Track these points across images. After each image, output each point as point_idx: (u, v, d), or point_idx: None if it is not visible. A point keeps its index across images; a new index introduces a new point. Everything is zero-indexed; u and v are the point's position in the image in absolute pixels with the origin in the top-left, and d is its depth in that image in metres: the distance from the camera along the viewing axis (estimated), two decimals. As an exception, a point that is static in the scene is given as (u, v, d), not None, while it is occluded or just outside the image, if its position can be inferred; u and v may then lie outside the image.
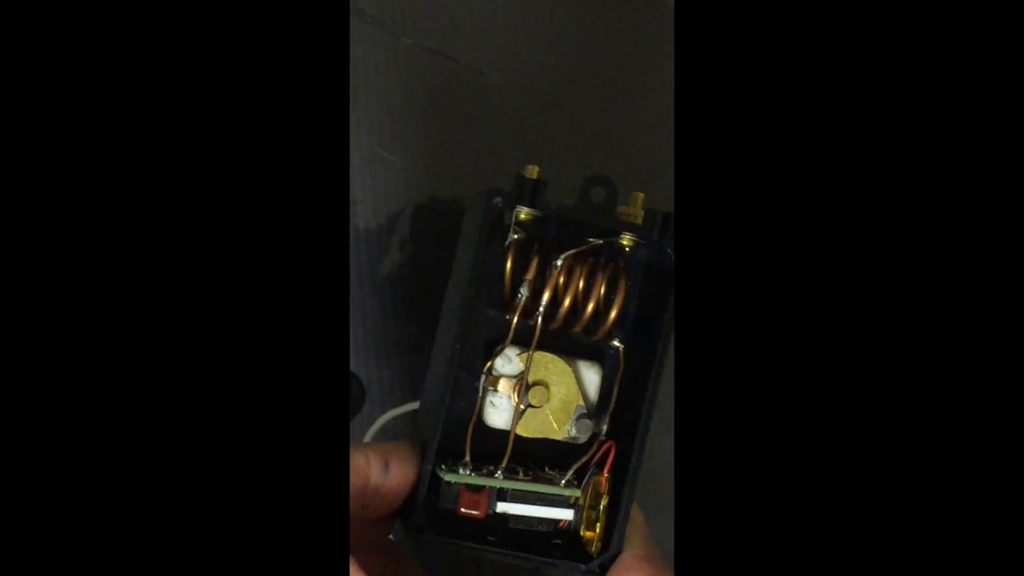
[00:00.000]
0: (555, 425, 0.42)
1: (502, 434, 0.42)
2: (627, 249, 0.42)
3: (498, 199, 0.40)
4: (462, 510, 0.41)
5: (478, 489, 0.41)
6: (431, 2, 0.55)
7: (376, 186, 0.53)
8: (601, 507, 0.42)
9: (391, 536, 0.43)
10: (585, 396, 0.43)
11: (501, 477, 0.41)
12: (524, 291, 0.41)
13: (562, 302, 0.42)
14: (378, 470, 0.39)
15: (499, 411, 0.42)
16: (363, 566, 0.37)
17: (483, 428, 0.42)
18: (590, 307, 0.42)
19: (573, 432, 0.43)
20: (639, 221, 0.41)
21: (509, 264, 0.42)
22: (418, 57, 0.54)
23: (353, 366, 0.52)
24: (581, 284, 0.42)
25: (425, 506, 0.40)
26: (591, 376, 0.43)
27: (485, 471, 0.41)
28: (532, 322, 0.42)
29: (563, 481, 0.42)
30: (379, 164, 0.53)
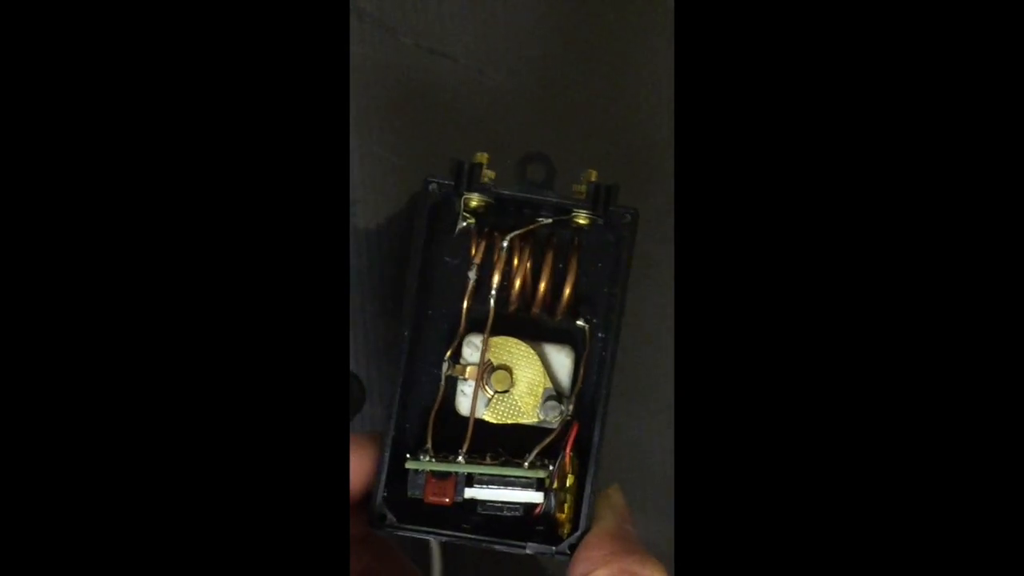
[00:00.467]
0: (523, 409, 0.42)
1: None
2: (584, 228, 0.42)
3: (433, 184, 0.41)
4: (430, 498, 0.41)
5: (444, 477, 0.41)
6: (431, 2, 0.55)
7: (376, 186, 0.54)
8: (568, 488, 0.41)
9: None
10: (555, 379, 0.43)
11: (464, 462, 0.41)
12: (472, 275, 0.42)
13: (512, 284, 0.42)
14: None
15: (469, 399, 0.42)
16: None
17: (455, 417, 0.42)
18: (541, 287, 0.42)
19: (542, 416, 0.42)
20: (583, 196, 0.41)
21: (473, 250, 0.42)
22: (418, 57, 0.55)
23: (353, 366, 0.53)
24: (529, 264, 0.42)
25: (390, 495, 0.41)
26: (561, 359, 0.43)
27: (452, 458, 0.42)
28: (488, 308, 0.42)
29: (526, 463, 0.41)
30: (379, 164, 0.54)
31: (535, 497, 0.41)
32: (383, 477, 0.40)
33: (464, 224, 0.42)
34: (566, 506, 0.41)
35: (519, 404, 0.42)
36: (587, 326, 0.43)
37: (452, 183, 0.41)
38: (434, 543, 0.56)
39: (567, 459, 0.41)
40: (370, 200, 0.54)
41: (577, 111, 0.55)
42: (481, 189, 0.41)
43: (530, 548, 0.41)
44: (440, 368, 0.42)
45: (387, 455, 0.41)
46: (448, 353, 0.42)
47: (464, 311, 0.42)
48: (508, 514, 0.41)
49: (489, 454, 0.42)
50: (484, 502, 0.41)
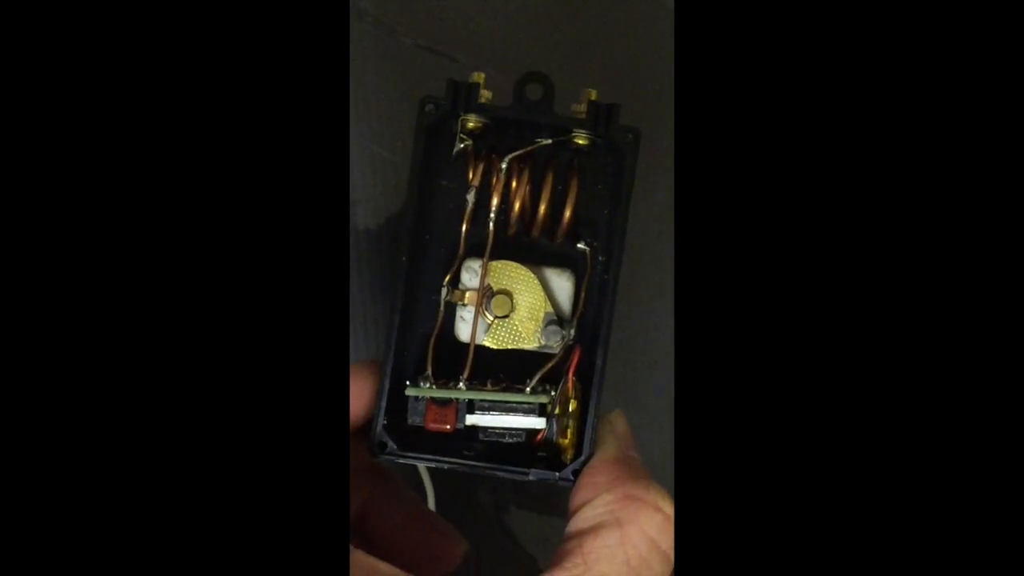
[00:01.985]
0: (524, 334, 0.42)
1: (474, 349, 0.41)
2: (584, 149, 0.41)
3: (430, 105, 0.40)
4: (431, 425, 0.41)
5: (445, 403, 0.41)
6: (431, 2, 0.55)
7: (376, 186, 0.54)
8: (570, 413, 0.40)
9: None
10: (555, 303, 0.42)
11: (464, 388, 0.41)
12: (470, 197, 0.41)
13: (512, 207, 0.41)
14: None
15: (469, 325, 0.42)
16: None
17: (456, 344, 0.42)
18: (541, 209, 0.41)
19: (543, 341, 0.42)
20: (583, 116, 0.40)
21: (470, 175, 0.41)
22: (418, 57, 0.54)
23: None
24: (528, 187, 0.41)
25: (391, 423, 0.40)
26: (562, 283, 0.42)
27: (452, 385, 0.41)
28: (487, 231, 0.41)
29: (528, 388, 0.41)
30: (379, 164, 0.54)
31: (537, 423, 0.41)
32: (383, 404, 0.40)
33: (461, 146, 0.41)
34: (569, 431, 0.40)
35: (519, 329, 0.42)
36: (588, 249, 0.42)
37: (449, 103, 0.40)
38: (423, 471, 0.55)
39: (570, 384, 0.40)
40: (370, 200, 0.54)
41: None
42: (478, 109, 0.40)
43: (533, 474, 0.40)
44: (439, 294, 0.41)
45: (387, 383, 0.40)
46: (447, 278, 0.41)
47: (463, 235, 0.41)
48: (510, 440, 0.41)
49: (490, 380, 0.41)
50: (486, 428, 0.41)
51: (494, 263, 0.41)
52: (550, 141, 0.41)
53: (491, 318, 0.41)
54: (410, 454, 0.40)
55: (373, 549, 0.36)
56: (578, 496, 0.38)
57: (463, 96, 0.40)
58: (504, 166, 0.40)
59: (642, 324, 0.56)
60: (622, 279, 0.41)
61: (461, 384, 0.41)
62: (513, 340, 0.42)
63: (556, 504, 0.57)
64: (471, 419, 0.41)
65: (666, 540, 0.36)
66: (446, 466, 0.41)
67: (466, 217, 0.41)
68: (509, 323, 0.42)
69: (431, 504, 0.55)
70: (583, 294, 0.42)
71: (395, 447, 0.40)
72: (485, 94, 0.40)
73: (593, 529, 0.37)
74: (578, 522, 0.37)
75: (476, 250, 0.41)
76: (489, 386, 0.41)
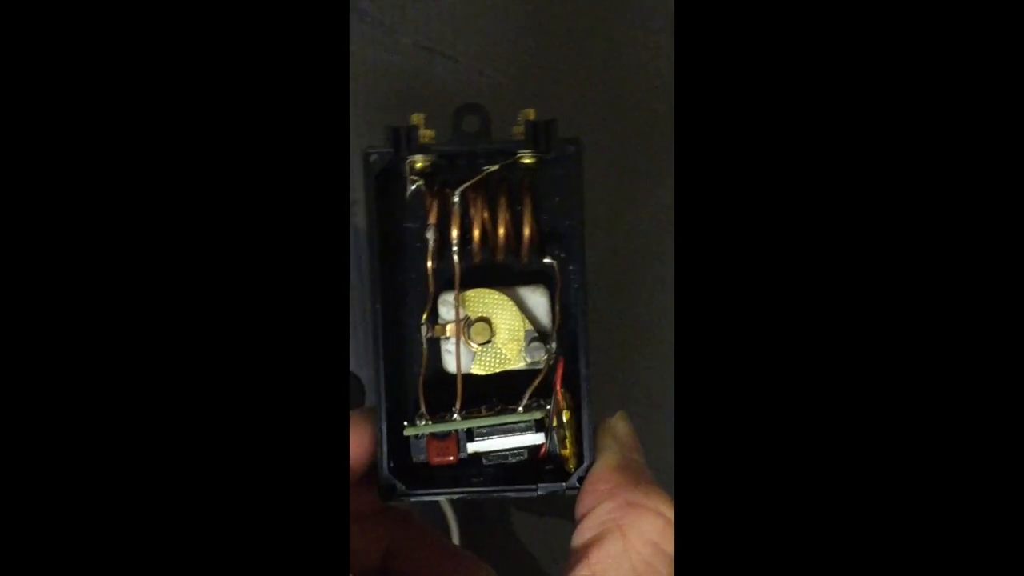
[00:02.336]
0: (509, 356, 0.42)
1: (464, 378, 0.42)
2: (533, 167, 0.42)
3: (374, 155, 0.41)
4: (435, 460, 0.42)
5: (445, 436, 0.42)
6: (431, 2, 0.56)
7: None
8: (565, 423, 0.41)
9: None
10: (534, 320, 0.43)
11: (459, 419, 0.42)
12: (430, 235, 0.42)
13: (472, 235, 0.42)
14: None
15: (454, 357, 0.43)
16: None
17: (447, 378, 0.43)
18: (500, 232, 0.42)
19: (529, 359, 0.42)
20: (522, 137, 0.41)
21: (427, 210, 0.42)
22: (418, 57, 0.55)
23: (353, 366, 0.54)
24: (486, 213, 0.42)
25: (398, 465, 0.41)
26: (536, 299, 0.43)
27: (447, 418, 0.42)
28: (452, 264, 0.42)
29: (520, 406, 0.42)
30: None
31: (536, 438, 0.42)
32: (384, 449, 0.41)
33: (413, 187, 0.42)
34: (568, 441, 0.41)
35: (504, 352, 0.42)
36: (555, 262, 0.43)
37: (392, 150, 0.41)
38: (445, 504, 0.56)
39: (559, 395, 0.41)
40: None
41: (577, 112, 0.55)
42: (422, 149, 0.41)
43: (541, 489, 0.41)
44: (421, 332, 0.42)
45: (384, 427, 0.41)
46: (424, 316, 0.42)
47: (429, 271, 0.42)
48: (514, 460, 0.42)
49: (484, 406, 0.42)
50: (488, 453, 0.42)
51: (467, 293, 0.42)
52: (496, 167, 0.42)
53: (475, 346, 0.42)
54: (420, 491, 0.41)
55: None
56: (581, 505, 0.39)
57: (404, 139, 0.41)
58: (456, 199, 0.41)
59: (642, 325, 0.57)
60: (623, 281, 0.41)
61: (456, 415, 0.42)
62: (500, 363, 0.42)
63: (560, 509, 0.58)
64: (472, 447, 0.42)
65: (669, 544, 0.36)
66: (457, 497, 0.41)
67: (430, 254, 0.42)
68: (493, 348, 0.42)
69: (455, 537, 0.56)
70: (557, 306, 0.42)
71: (403, 488, 0.41)
72: (427, 134, 0.41)
73: (597, 538, 0.37)
74: (583, 531, 0.38)
75: (448, 283, 0.42)
76: (483, 412, 0.42)
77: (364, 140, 0.53)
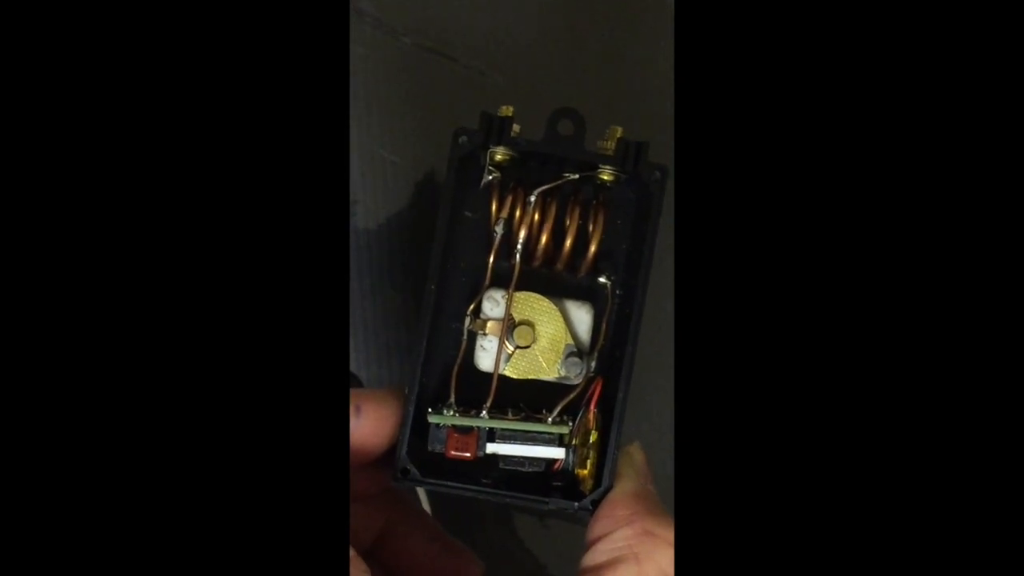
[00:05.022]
0: (544, 365, 0.42)
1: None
2: (608, 184, 0.42)
3: (463, 137, 0.40)
4: (452, 452, 0.41)
5: (467, 431, 0.41)
6: (431, 2, 0.55)
7: (376, 186, 0.54)
8: (590, 444, 0.41)
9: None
10: (576, 336, 0.43)
11: (487, 417, 0.41)
12: (499, 229, 0.41)
13: (538, 239, 0.42)
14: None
15: (489, 354, 0.42)
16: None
17: (475, 373, 0.42)
18: (567, 243, 0.42)
19: (563, 372, 0.42)
20: (612, 153, 0.41)
21: (494, 206, 0.42)
22: (418, 57, 0.55)
23: (353, 366, 0.53)
24: (555, 221, 0.42)
25: (412, 450, 0.40)
26: (582, 316, 0.43)
27: (474, 413, 0.41)
28: (512, 262, 0.42)
29: (550, 419, 0.41)
30: (379, 164, 0.54)
31: (557, 453, 0.41)
32: (407, 432, 0.40)
33: (490, 178, 0.41)
34: (588, 462, 0.41)
35: (540, 360, 0.42)
36: (609, 283, 0.42)
37: (482, 136, 0.40)
38: (423, 496, 0.56)
39: (591, 415, 0.41)
40: (370, 200, 0.54)
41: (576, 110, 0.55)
42: (511, 142, 0.40)
43: (552, 503, 0.41)
44: (461, 323, 0.42)
45: (411, 410, 0.40)
46: (470, 307, 0.42)
47: (489, 266, 0.41)
48: (529, 469, 0.42)
49: (511, 409, 0.42)
50: (506, 457, 0.41)
51: (517, 294, 0.42)
52: (577, 176, 0.41)
53: (512, 348, 0.42)
54: (430, 480, 0.41)
55: (391, 575, 0.37)
56: (596, 528, 0.39)
57: (496, 129, 0.40)
58: (533, 199, 0.41)
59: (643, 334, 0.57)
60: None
61: (484, 413, 0.41)
62: (534, 370, 0.42)
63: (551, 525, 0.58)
64: (491, 447, 0.41)
65: None
66: (467, 493, 0.41)
67: (494, 249, 0.41)
68: (530, 353, 0.42)
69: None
70: (604, 327, 0.42)
71: (417, 473, 0.40)
72: (515, 127, 0.41)
73: (611, 563, 0.37)
74: (596, 555, 0.38)
75: (499, 280, 0.42)
76: (510, 415, 0.42)
77: (364, 140, 0.54)
